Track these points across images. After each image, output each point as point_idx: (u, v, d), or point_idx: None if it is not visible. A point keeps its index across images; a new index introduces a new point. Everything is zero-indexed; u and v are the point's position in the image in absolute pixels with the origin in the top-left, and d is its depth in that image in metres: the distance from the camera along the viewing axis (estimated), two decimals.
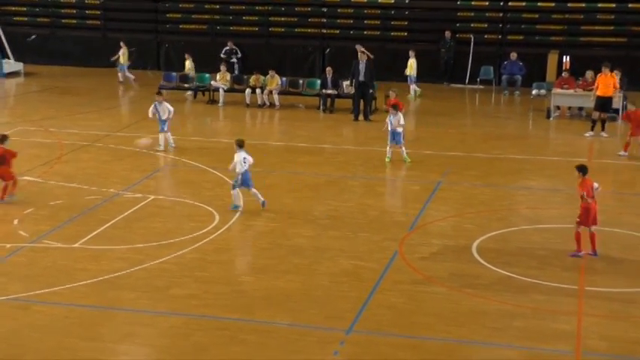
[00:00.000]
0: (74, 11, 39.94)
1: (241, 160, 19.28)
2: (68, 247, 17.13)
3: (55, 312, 14.29)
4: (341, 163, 24.09)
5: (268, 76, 31.83)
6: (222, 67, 32.80)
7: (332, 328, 13.78)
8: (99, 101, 31.96)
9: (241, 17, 38.52)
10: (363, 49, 30.14)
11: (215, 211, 19.40)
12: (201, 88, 32.90)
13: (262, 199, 19.47)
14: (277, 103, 31.45)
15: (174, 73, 34.07)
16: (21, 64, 37.47)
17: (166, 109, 24.50)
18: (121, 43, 36.06)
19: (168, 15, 39.31)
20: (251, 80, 31.94)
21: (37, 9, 40.11)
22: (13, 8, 40.14)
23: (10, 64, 37.00)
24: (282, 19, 38.22)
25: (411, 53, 34.10)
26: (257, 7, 38.45)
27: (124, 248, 17.15)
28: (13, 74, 36.64)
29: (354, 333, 13.66)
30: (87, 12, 39.85)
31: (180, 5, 39.08)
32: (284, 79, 32.36)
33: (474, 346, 13.36)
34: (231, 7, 38.61)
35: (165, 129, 24.48)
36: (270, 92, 31.55)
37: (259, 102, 31.58)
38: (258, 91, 31.58)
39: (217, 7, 38.77)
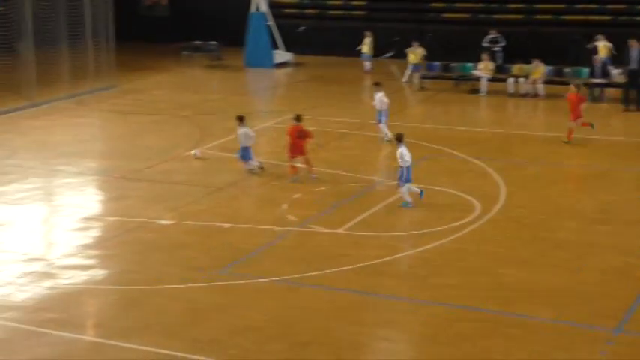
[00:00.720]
0: (340, 2, 40.94)
1: (405, 154, 18.77)
2: (333, 232, 17.63)
3: (321, 295, 14.77)
4: (610, 154, 23.16)
5: (532, 64, 31.15)
6: (485, 56, 32.47)
7: (598, 326, 13.32)
8: (364, 90, 32.61)
9: (505, 5, 37.91)
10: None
11: (476, 201, 19.27)
12: (463, 77, 32.75)
13: (417, 189, 19.03)
14: (541, 92, 30.73)
15: (436, 63, 34.11)
16: (290, 55, 38.92)
17: (380, 99, 24.38)
18: (366, 33, 36.50)
19: (431, 4, 39.39)
20: (514, 69, 31.39)
21: (306, 1, 41.49)
22: (284, 1, 41.75)
23: (280, 55, 38.51)
24: (548, 6, 37.21)
25: None
26: None
27: (385, 235, 17.42)
28: (283, 64, 38.14)
29: (623, 333, 13.12)
30: (353, 3, 40.72)
31: None
32: (549, 67, 31.54)
33: None
34: None
35: (383, 120, 24.41)
36: (534, 81, 30.87)
37: (522, 91, 30.99)
38: (521, 80, 31.00)
39: None
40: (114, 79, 33.44)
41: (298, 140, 21.06)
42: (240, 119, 21.61)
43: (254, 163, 21.48)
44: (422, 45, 34.15)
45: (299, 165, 21.19)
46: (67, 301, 14.62)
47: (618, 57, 29.01)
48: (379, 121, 24.64)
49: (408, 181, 18.89)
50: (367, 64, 36.47)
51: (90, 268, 15.96)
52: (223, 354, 12.68)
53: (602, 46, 31.63)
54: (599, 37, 31.90)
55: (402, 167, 18.80)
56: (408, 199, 18.88)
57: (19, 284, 15.22)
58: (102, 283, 15.35)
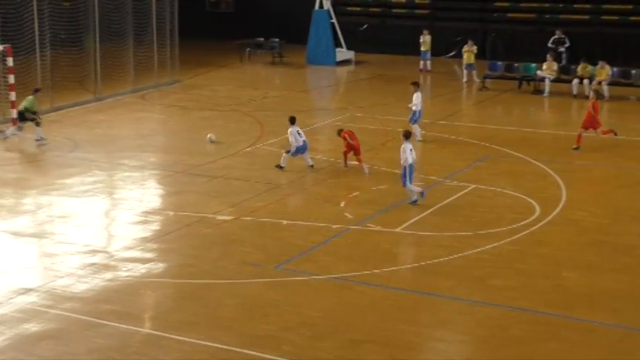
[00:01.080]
0: (404, 1, 40.81)
1: (408, 150, 18.90)
2: (390, 231, 17.57)
3: (376, 293, 14.73)
4: None
5: (598, 66, 30.67)
6: (549, 57, 32.06)
7: None
8: (425, 90, 32.43)
9: (572, 5, 37.41)
10: None
11: (536, 203, 19.04)
12: (526, 78, 32.38)
13: (418, 189, 19.11)
14: (606, 94, 30.23)
15: (499, 62, 33.80)
16: (352, 53, 38.90)
17: (416, 99, 24.35)
18: (424, 31, 36.25)
19: (496, 4, 39.04)
20: (578, 70, 30.95)
21: None
22: None
23: (343, 53, 38.52)
24: (616, 6, 36.62)
25: None
26: None
27: (443, 235, 17.31)
28: (345, 62, 38.13)
29: None
30: (416, 1, 40.56)
31: None
32: (615, 69, 31.03)
33: None
34: None
35: (416, 119, 24.52)
36: (599, 83, 30.39)
37: (586, 93, 30.52)
38: (585, 81, 30.55)
39: None
40: (177, 74, 33.78)
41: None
42: (292, 120, 21.99)
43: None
44: (476, 44, 33.88)
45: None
46: (126, 294, 14.80)
47: None
48: (414, 121, 24.55)
49: (410, 180, 18.99)
50: (422, 62, 36.21)
51: (148, 262, 16.14)
52: (276, 350, 12.72)
53: None
54: None
55: (404, 166, 18.96)
56: (415, 196, 19.03)
57: (78, 276, 15.45)
58: (159, 277, 15.50)
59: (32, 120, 24.73)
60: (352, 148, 21.89)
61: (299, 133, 21.83)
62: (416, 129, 24.47)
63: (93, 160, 22.67)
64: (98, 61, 30.50)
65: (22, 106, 24.89)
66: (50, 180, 21.12)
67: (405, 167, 18.89)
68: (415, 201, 19.03)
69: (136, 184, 20.85)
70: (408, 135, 19.24)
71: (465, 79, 33.45)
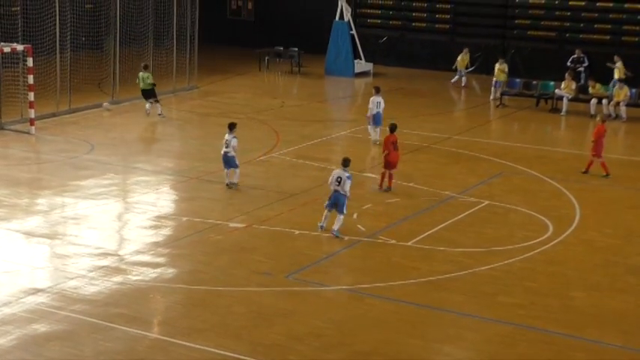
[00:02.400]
0: (424, 15, 40.79)
1: (334, 179, 17.93)
2: (402, 244, 17.57)
3: (385, 306, 14.73)
4: None
5: (616, 87, 30.58)
6: (568, 76, 31.97)
7: None
8: (443, 104, 32.43)
9: (592, 25, 37.31)
10: None
11: (549, 221, 19.01)
12: (544, 96, 32.31)
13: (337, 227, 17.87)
14: (624, 115, 30.14)
15: (517, 80, 33.74)
16: (371, 65, 38.90)
17: (373, 103, 25.41)
18: (465, 49, 36.23)
19: (517, 21, 38.98)
20: (589, 89, 30.85)
21: (391, 12, 41.44)
22: (369, 11, 41.76)
23: (361, 65, 38.51)
24: (637, 27, 36.52)
25: None
26: (610, 15, 37.05)
27: (455, 251, 17.30)
28: (363, 74, 38.15)
29: None
30: (437, 16, 40.55)
31: (530, 11, 38.61)
32: (633, 90, 30.93)
33: None
34: (582, 15, 37.52)
35: (375, 122, 25.51)
36: (618, 104, 30.30)
37: (605, 112, 30.41)
38: (604, 101, 30.46)
39: (568, 14, 37.82)
40: (195, 80, 33.90)
41: (394, 152, 20.95)
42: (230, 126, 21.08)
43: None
44: (506, 61, 33.88)
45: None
46: (135, 298, 14.86)
47: None
48: (375, 124, 25.49)
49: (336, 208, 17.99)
50: (456, 78, 36.04)
51: (159, 266, 16.20)
52: (283, 359, 12.72)
53: None
54: None
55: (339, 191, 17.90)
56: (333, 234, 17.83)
57: (89, 278, 15.52)
58: (170, 282, 15.55)
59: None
60: (390, 163, 20.89)
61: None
62: (372, 131, 25.57)
63: (108, 163, 22.77)
64: (117, 64, 30.67)
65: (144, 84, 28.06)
66: (65, 181, 21.23)
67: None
68: (338, 232, 17.85)
69: (149, 189, 20.93)
70: (345, 163, 18.18)
71: (492, 96, 33.14)
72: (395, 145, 21.01)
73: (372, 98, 25.70)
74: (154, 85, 28.35)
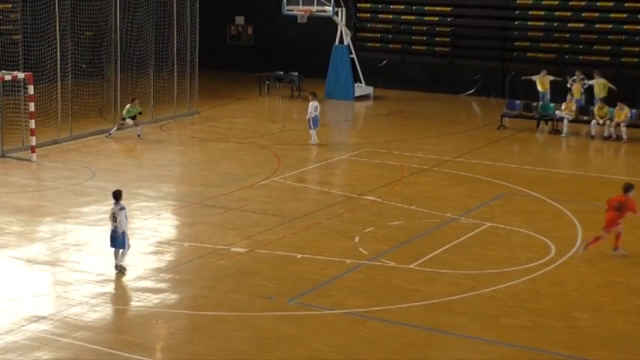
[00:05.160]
0: (424, 38, 40.97)
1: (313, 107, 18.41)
2: (404, 267, 17.56)
3: (388, 329, 14.70)
4: None
5: (617, 107, 30.65)
6: (569, 97, 32.07)
7: None
8: (443, 126, 32.49)
9: (592, 47, 37.45)
10: None
11: (552, 242, 19.00)
12: (544, 117, 32.38)
13: None
14: (624, 136, 30.18)
15: (517, 101, 33.82)
16: (371, 88, 39.03)
17: (313, 107, 28.19)
18: (543, 72, 35.22)
19: (516, 43, 39.16)
20: (595, 110, 30.93)
21: (390, 35, 41.62)
22: (368, 35, 41.96)
23: (361, 88, 38.65)
24: (636, 49, 36.65)
25: None
26: (609, 37, 37.20)
27: (457, 273, 17.28)
28: (363, 97, 38.27)
29: None
30: (436, 39, 40.71)
31: (529, 33, 38.79)
32: (633, 111, 30.99)
33: None
34: (582, 36, 37.68)
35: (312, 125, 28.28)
36: (618, 124, 30.36)
37: (605, 134, 30.49)
38: (607, 122, 30.49)
39: (567, 35, 38.00)
40: (196, 105, 34.01)
41: (615, 212, 18.28)
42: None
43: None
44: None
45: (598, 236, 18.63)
46: (138, 324, 14.83)
47: None
48: (312, 127, 28.27)
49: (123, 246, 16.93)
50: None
51: (162, 292, 16.18)
52: None
53: None
54: None
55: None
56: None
57: (91, 305, 15.49)
58: (172, 308, 15.53)
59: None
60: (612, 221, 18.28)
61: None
62: (312, 134, 28.28)
63: (109, 190, 22.68)
64: (118, 90, 30.77)
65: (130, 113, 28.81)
66: (66, 208, 21.25)
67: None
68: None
69: (151, 214, 20.94)
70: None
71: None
72: (621, 206, 18.26)
73: (310, 103, 28.49)
74: (139, 113, 29.34)
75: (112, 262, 17.19)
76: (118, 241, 17.11)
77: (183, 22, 33.42)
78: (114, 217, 17.08)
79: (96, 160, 26.23)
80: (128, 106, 29.15)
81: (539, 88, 34.23)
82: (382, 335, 14.48)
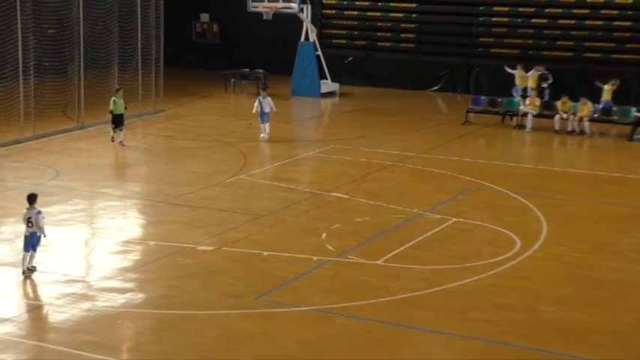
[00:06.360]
0: (389, 34, 41.08)
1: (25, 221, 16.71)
2: (371, 263, 17.60)
3: (356, 326, 14.73)
4: None
5: (580, 102, 30.94)
6: (532, 92, 32.30)
7: None
8: (409, 122, 32.60)
9: (555, 42, 37.77)
10: None
11: (516, 237, 19.13)
12: (509, 113, 32.60)
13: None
14: (587, 130, 30.47)
15: (482, 97, 34.03)
16: (337, 85, 39.08)
17: (268, 103, 28.60)
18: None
19: (480, 39, 39.37)
20: (558, 105, 31.22)
21: (355, 32, 41.69)
22: (334, 31, 41.99)
23: (327, 85, 38.68)
24: (599, 44, 37.01)
25: None
26: (572, 32, 37.53)
27: (424, 269, 17.35)
28: (329, 94, 38.29)
29: None
30: (402, 35, 40.82)
31: (493, 29, 39.02)
32: (596, 105, 31.29)
33: None
34: (545, 32, 37.97)
35: (266, 120, 28.62)
36: (581, 119, 30.64)
37: (569, 128, 30.76)
38: (572, 117, 30.73)
39: (531, 31, 38.28)
40: (161, 103, 33.85)
41: None
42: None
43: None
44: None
45: None
46: (104, 324, 14.72)
47: None
48: (264, 120, 28.68)
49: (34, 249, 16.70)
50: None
51: (128, 292, 16.08)
52: None
53: None
54: None
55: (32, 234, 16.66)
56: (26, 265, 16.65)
57: (56, 305, 15.37)
58: (139, 307, 15.44)
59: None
60: None
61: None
62: (263, 128, 28.79)
63: (74, 189, 22.63)
64: (82, 89, 30.54)
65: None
66: None
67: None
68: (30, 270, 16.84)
69: (116, 214, 20.82)
70: (31, 199, 16.98)
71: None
72: None
73: (259, 97, 29.18)
74: (125, 108, 28.28)
75: (21, 268, 16.60)
76: (34, 244, 16.68)
77: (148, 19, 33.24)
78: (29, 223, 16.62)
79: (59, 159, 26.02)
80: (113, 97, 27.90)
81: (517, 82, 34.62)
82: (350, 332, 14.51)
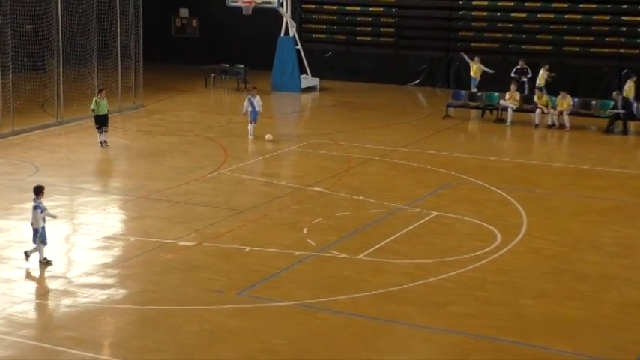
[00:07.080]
0: (369, 29, 41.05)
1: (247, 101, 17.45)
2: (352, 257, 17.62)
3: (338, 320, 14.75)
4: (633, 188, 23.04)
5: (559, 96, 31.06)
6: (512, 86, 32.41)
7: None
8: (389, 117, 32.61)
9: (534, 36, 37.87)
10: None
11: (497, 230, 19.20)
12: (489, 107, 32.68)
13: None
14: (567, 124, 30.60)
15: (462, 91, 34.10)
16: (317, 80, 39.03)
17: (258, 102, 28.06)
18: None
19: (460, 33, 39.43)
20: (535, 99, 31.36)
21: (335, 27, 41.65)
22: (313, 26, 41.93)
23: (307, 79, 38.62)
24: (577, 38, 37.14)
25: None
26: (551, 26, 37.64)
27: (405, 263, 17.39)
28: (310, 89, 38.25)
29: None
30: (381, 30, 40.82)
31: (473, 24, 39.08)
32: (575, 99, 31.45)
33: None
34: (524, 26, 38.06)
35: (256, 119, 28.08)
36: (561, 113, 30.77)
37: (549, 122, 30.89)
38: (552, 111, 30.86)
39: (510, 25, 38.36)
40: (141, 99, 33.72)
41: None
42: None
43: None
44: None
45: None
46: (85, 320, 14.68)
47: None
48: (250, 122, 28.02)
49: (43, 242, 17.06)
50: None
51: (109, 287, 16.04)
52: None
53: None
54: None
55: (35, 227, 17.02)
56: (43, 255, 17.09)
57: (37, 302, 15.30)
58: (120, 303, 15.40)
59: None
60: None
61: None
62: (250, 128, 28.07)
63: (53, 185, 22.47)
64: (61, 84, 30.38)
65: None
66: (9, 204, 20.93)
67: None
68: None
69: (97, 209, 20.73)
70: (38, 191, 17.40)
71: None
72: None
73: (249, 96, 28.35)
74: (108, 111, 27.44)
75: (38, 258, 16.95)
76: (34, 237, 17.07)
77: (127, 14, 33.08)
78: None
79: (39, 155, 25.87)
80: (95, 98, 27.21)
81: (471, 73, 35.10)
82: (332, 326, 14.52)
